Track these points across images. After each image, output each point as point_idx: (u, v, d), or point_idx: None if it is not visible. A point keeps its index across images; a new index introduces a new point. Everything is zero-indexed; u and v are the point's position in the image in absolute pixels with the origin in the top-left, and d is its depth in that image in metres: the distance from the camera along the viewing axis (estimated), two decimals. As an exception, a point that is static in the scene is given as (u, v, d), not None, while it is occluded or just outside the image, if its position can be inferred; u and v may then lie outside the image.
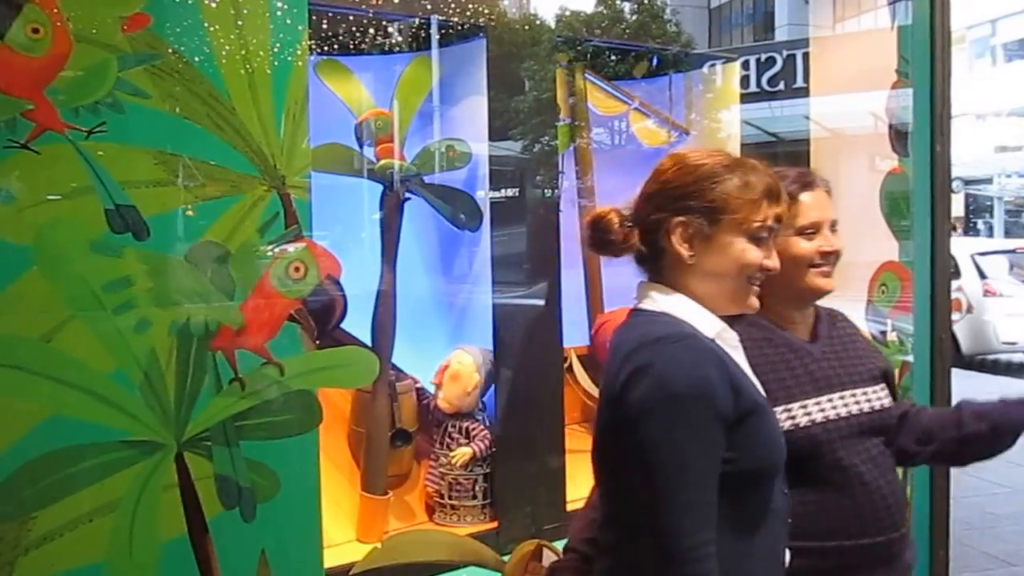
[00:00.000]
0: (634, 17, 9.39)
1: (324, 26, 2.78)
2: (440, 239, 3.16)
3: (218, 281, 1.76)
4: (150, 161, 1.67)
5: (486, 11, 2.82)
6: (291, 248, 1.84)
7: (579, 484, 3.12)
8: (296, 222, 1.84)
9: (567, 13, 5.35)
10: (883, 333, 2.83)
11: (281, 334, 1.84)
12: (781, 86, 12.91)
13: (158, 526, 1.72)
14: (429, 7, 2.78)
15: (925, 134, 2.96)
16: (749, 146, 4.71)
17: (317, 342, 2.22)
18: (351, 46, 2.93)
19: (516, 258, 2.95)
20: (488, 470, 2.96)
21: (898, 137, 2.91)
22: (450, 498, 2.93)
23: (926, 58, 2.95)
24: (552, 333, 3.03)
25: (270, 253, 1.82)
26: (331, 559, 2.67)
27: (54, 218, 1.59)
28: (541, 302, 2.98)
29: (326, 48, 2.87)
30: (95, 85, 1.58)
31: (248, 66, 1.75)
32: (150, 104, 1.65)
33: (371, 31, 2.92)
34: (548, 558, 2.11)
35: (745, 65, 10.87)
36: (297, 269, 1.84)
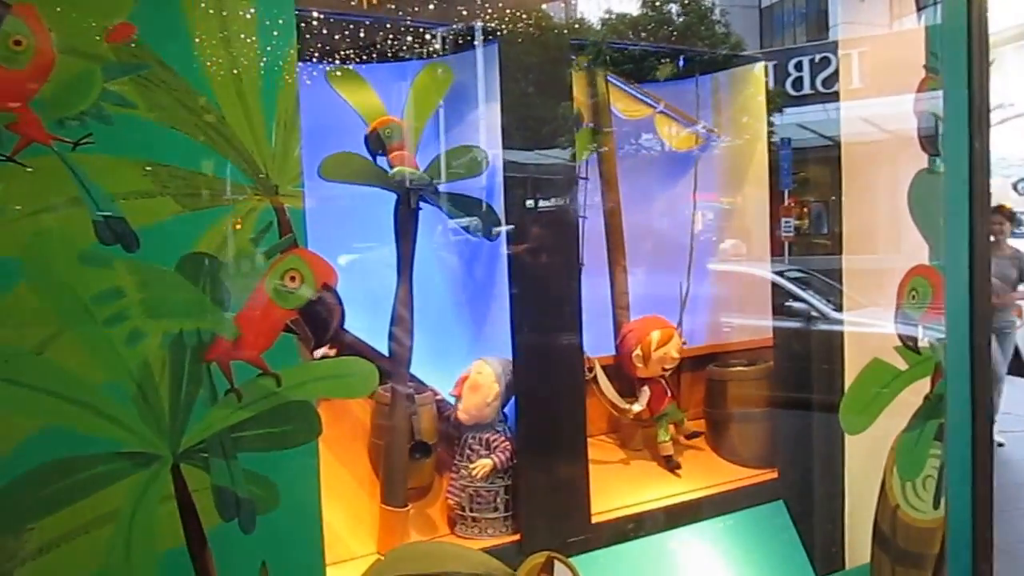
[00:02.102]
0: (681, 19, 9.24)
1: (336, 34, 2.77)
2: (458, 248, 3.12)
3: (212, 292, 1.75)
4: (138, 172, 1.66)
5: (499, 16, 2.79)
6: (287, 258, 1.82)
7: (604, 496, 3.06)
8: (290, 231, 1.82)
9: (612, 17, 5.31)
10: (914, 339, 2.71)
11: (277, 345, 1.82)
12: (836, 87, 12.56)
13: (156, 538, 1.70)
14: (441, 13, 2.76)
15: (961, 132, 2.84)
16: (803, 151, 4.64)
17: (328, 350, 2.21)
18: (364, 54, 2.91)
19: (536, 267, 2.90)
20: (509, 482, 2.90)
21: (928, 136, 2.80)
22: (471, 510, 2.89)
23: (962, 54, 2.84)
24: (573, 342, 2.97)
25: (265, 263, 1.80)
26: (351, 573, 2.66)
27: (42, 230, 1.58)
28: (562, 311, 2.93)
29: (338, 56, 2.86)
30: (80, 96, 1.57)
31: (237, 75, 1.73)
32: (137, 114, 1.64)
33: (383, 38, 2.90)
34: (561, 573, 2.04)
35: (799, 66, 10.63)
36: (292, 278, 1.82)
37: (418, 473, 2.94)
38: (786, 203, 4.44)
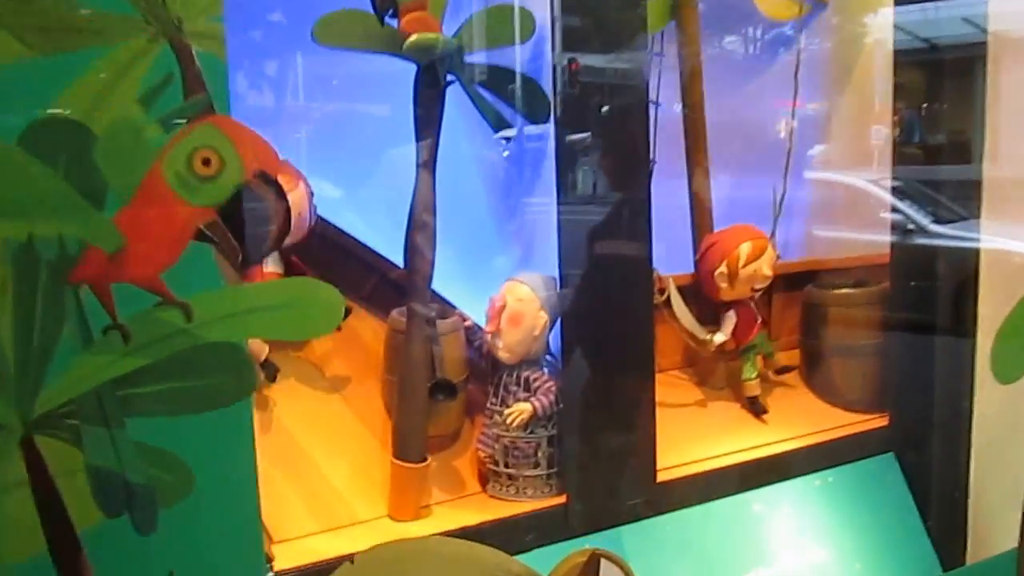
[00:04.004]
0: None
1: None
2: (495, 137, 2.48)
3: (77, 179, 1.16)
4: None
5: None
6: (197, 130, 1.21)
7: (674, 447, 2.48)
8: (203, 89, 1.21)
9: None
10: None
11: (186, 259, 1.23)
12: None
13: (2, 542, 1.16)
14: None
15: None
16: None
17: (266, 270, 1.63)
18: None
19: (591, 161, 2.25)
20: (554, 431, 2.32)
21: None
22: (506, 466, 2.32)
23: None
24: (639, 256, 2.33)
25: (162, 137, 1.20)
26: (356, 540, 2.15)
27: None
28: (624, 217, 2.29)
29: None
30: None
31: None
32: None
33: None
34: (610, 572, 1.46)
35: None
36: (207, 161, 1.22)
37: (441, 418, 2.37)
38: (877, 109, 3.75)
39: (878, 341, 2.86)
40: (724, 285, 2.71)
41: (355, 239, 2.49)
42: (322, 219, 2.37)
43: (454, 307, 2.48)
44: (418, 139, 2.24)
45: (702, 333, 2.72)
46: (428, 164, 2.24)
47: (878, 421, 2.84)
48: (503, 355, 2.30)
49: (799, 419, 2.82)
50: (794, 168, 3.19)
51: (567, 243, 2.21)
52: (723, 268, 2.69)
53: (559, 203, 2.20)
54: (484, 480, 2.39)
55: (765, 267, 2.67)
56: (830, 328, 2.91)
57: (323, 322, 1.38)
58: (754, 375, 2.77)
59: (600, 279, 2.26)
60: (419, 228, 2.25)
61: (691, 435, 2.65)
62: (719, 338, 2.73)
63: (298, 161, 2.27)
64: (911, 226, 3.15)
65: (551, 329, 2.32)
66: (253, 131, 1.26)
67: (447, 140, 2.68)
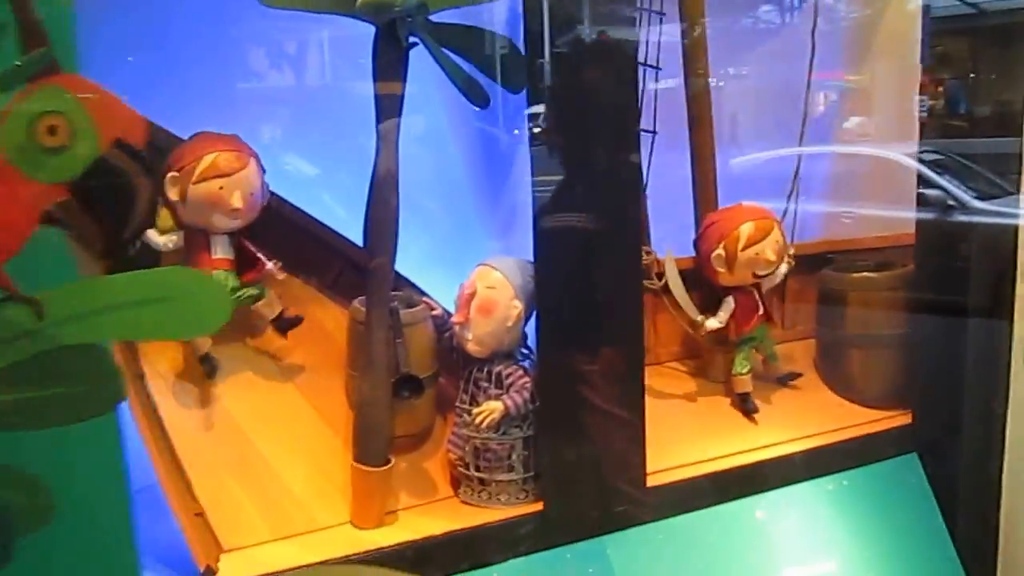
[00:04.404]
0: None
1: None
2: (467, 104, 2.25)
3: None
4: None
5: None
6: (39, 92, 1.01)
7: (668, 446, 2.26)
8: (44, 43, 1.01)
9: None
10: None
11: (32, 248, 1.03)
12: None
13: None
14: None
15: None
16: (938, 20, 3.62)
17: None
18: None
19: (572, 128, 2.02)
20: (530, 432, 2.11)
21: None
22: (478, 469, 2.12)
23: None
24: (628, 238, 2.11)
25: (-6, 100, 1.00)
26: (313, 548, 1.97)
27: None
28: (610, 192, 2.05)
29: None
30: None
31: None
32: None
33: None
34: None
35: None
36: (53, 130, 1.02)
37: (409, 416, 2.17)
38: (920, 80, 3.50)
39: (901, 330, 2.60)
40: (722, 269, 2.46)
41: (318, 221, 2.28)
42: (281, 199, 2.19)
43: (424, 294, 2.28)
44: (378, 108, 2.03)
45: (696, 314, 2.48)
46: (390, 135, 2.03)
47: (900, 419, 2.59)
48: (472, 348, 2.09)
49: (812, 416, 2.57)
50: (813, 141, 2.94)
51: (543, 222, 1.98)
52: (720, 250, 2.45)
53: (534, 177, 1.97)
54: (456, 484, 2.19)
55: (768, 251, 2.42)
56: (848, 316, 2.65)
57: (204, 320, 1.18)
58: (746, 370, 2.53)
59: (581, 262, 2.03)
60: (380, 206, 2.04)
61: (688, 434, 2.42)
62: (712, 323, 2.49)
63: (251, 136, 2.07)
64: (946, 202, 2.88)
65: (527, 320, 2.11)
66: (111, 93, 1.06)
67: (428, 113, 2.48)
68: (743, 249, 2.42)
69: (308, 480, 2.10)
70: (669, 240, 2.60)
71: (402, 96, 2.03)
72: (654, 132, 2.64)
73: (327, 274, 2.31)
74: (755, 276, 2.47)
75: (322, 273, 2.30)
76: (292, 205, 2.25)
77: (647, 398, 2.25)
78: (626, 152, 2.08)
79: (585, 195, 2.01)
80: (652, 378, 2.60)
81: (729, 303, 2.51)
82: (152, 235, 1.91)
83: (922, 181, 2.85)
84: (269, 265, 2.04)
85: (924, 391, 2.58)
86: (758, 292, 2.54)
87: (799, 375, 2.67)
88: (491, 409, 2.05)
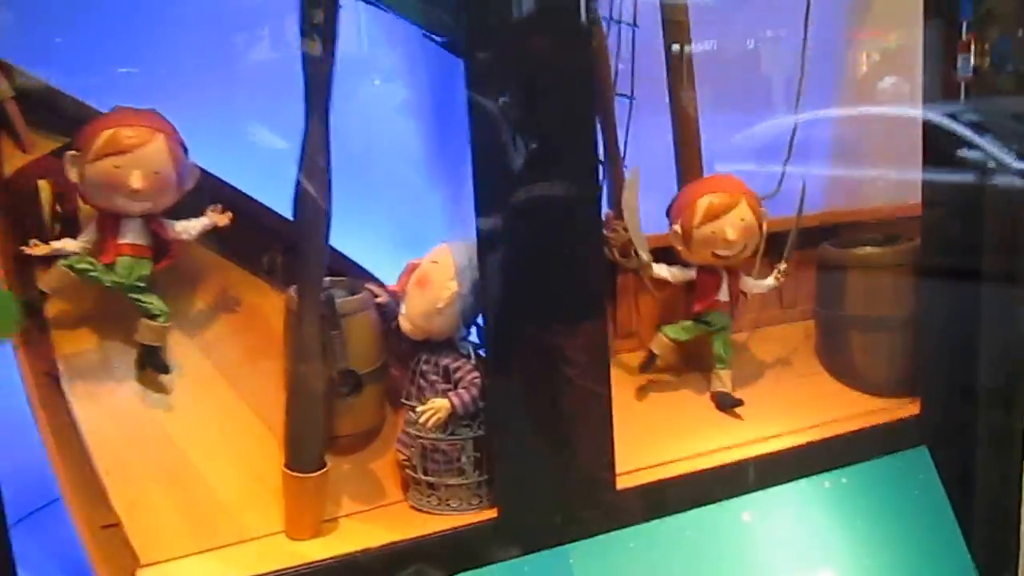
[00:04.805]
0: None
1: None
2: (413, 60, 2.04)
3: None
4: None
5: None
6: None
7: (642, 443, 2.05)
8: None
9: None
10: None
11: None
12: None
13: None
14: None
15: None
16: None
17: None
18: None
19: (517, 87, 1.78)
20: (481, 432, 1.90)
21: None
22: (426, 472, 1.92)
23: None
24: (585, 211, 1.88)
25: None
26: (242, 561, 1.79)
27: None
28: (564, 163, 1.83)
29: None
30: None
31: None
32: None
33: None
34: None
35: None
36: None
37: (354, 414, 1.98)
38: (963, 38, 3.20)
39: (908, 310, 2.35)
40: (680, 247, 2.23)
41: (256, 201, 2.09)
42: (217, 179, 2.00)
43: (374, 279, 2.08)
44: (305, 65, 1.82)
45: (646, 251, 2.20)
46: (319, 95, 1.82)
47: (908, 408, 2.34)
48: (405, 325, 1.89)
49: (808, 405, 2.34)
50: (814, 102, 2.67)
51: (485, 195, 1.76)
52: (676, 226, 2.21)
53: (473, 145, 1.75)
54: (407, 487, 2.00)
55: (729, 229, 2.16)
56: (849, 295, 2.41)
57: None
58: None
59: (531, 240, 1.81)
60: (310, 177, 1.83)
61: (667, 428, 2.20)
62: (661, 269, 2.24)
63: (176, 109, 1.87)
64: (986, 164, 2.59)
65: (472, 308, 1.90)
66: None
67: (392, 85, 2.27)
68: (698, 226, 2.18)
69: (240, 486, 1.91)
70: (653, 217, 2.37)
71: (332, 52, 1.82)
72: (631, 97, 2.40)
73: (267, 258, 2.11)
74: (716, 256, 2.22)
75: (261, 257, 2.11)
76: (228, 184, 2.06)
77: (626, 388, 2.05)
78: (579, 115, 1.84)
79: (532, 165, 1.78)
80: (626, 367, 2.40)
81: (691, 271, 2.27)
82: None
83: (962, 143, 2.57)
84: (199, 223, 1.88)
85: (934, 377, 2.32)
86: (730, 275, 2.29)
87: (738, 403, 2.32)
88: (436, 407, 1.85)
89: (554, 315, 1.86)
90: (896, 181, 2.45)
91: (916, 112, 2.32)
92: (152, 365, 1.91)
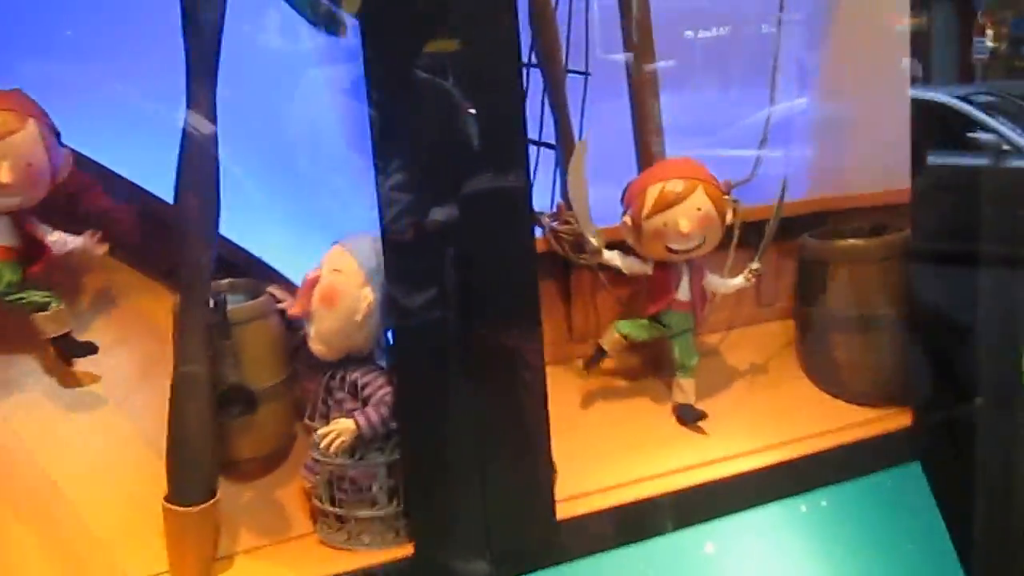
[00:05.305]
0: None
1: None
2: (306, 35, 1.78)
3: None
4: None
5: None
6: None
7: (590, 464, 1.81)
8: None
9: None
10: None
11: None
12: None
13: None
14: None
15: None
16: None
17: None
18: None
19: (423, 64, 1.52)
20: (395, 456, 1.65)
21: None
22: (334, 503, 1.67)
23: None
24: (511, 200, 1.61)
25: None
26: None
27: None
28: (486, 147, 1.56)
29: None
30: None
31: None
32: None
33: None
34: None
35: None
36: None
37: (252, 436, 1.73)
38: (979, 20, 3.15)
39: (897, 310, 2.07)
40: (630, 240, 1.97)
41: (152, 195, 1.84)
42: (107, 170, 1.77)
43: (284, 279, 1.83)
44: (186, 46, 1.56)
45: (592, 232, 1.92)
46: (202, 77, 1.56)
47: (898, 419, 2.07)
48: (317, 348, 1.64)
49: (785, 418, 2.08)
50: (800, 80, 2.41)
51: (391, 181, 1.50)
52: (625, 218, 1.95)
53: (372, 130, 1.49)
54: (316, 518, 1.74)
55: (682, 221, 1.89)
56: (832, 292, 2.13)
57: None
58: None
59: (446, 234, 1.55)
60: (194, 164, 1.58)
61: (620, 446, 1.94)
62: (612, 256, 1.97)
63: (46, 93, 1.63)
64: (1000, 146, 2.34)
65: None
66: None
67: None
68: (648, 216, 1.91)
69: (119, 519, 1.67)
70: (609, 208, 2.10)
71: (219, 30, 1.56)
72: (586, 73, 2.14)
73: (163, 258, 1.86)
74: (669, 250, 1.95)
75: (157, 256, 1.86)
76: (117, 175, 1.82)
77: (575, 398, 1.78)
78: (504, 93, 1.58)
79: (443, 149, 1.52)
80: (574, 377, 2.14)
81: (648, 265, 2.00)
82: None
83: (974, 125, 2.31)
84: (73, 242, 1.63)
85: (926, 384, 2.05)
86: (689, 275, 2.02)
87: (702, 416, 2.04)
88: (340, 429, 1.60)
89: (476, 319, 1.60)
90: (885, 166, 2.16)
91: (912, 93, 2.05)
92: (74, 353, 1.73)
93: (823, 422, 2.07)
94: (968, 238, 1.96)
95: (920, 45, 2.41)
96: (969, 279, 1.99)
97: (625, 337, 2.02)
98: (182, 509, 1.59)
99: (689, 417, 2.01)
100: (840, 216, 2.34)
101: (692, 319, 2.04)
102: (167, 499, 1.60)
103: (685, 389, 2.04)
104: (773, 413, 2.09)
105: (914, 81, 2.61)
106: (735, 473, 1.91)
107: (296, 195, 2.05)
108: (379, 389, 1.62)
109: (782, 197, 2.06)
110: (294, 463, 1.81)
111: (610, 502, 1.80)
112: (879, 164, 2.26)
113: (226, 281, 1.77)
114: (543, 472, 1.70)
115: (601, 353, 2.04)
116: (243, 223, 1.91)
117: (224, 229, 1.81)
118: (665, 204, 1.89)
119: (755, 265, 2.03)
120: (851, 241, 2.13)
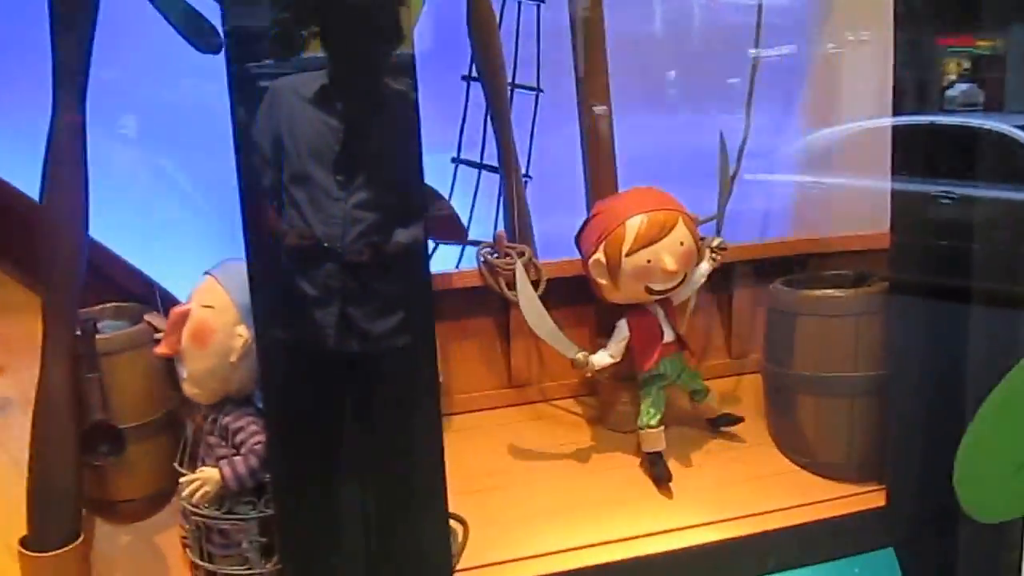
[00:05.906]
0: None
1: None
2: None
3: None
4: None
5: None
6: None
7: (524, 524, 1.63)
8: None
9: None
10: None
11: None
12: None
13: None
14: None
15: None
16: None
17: None
18: None
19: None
20: (269, 511, 1.48)
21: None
22: (205, 557, 1.51)
23: None
24: (406, 237, 1.44)
25: None
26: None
27: None
28: (372, 168, 1.40)
29: None
30: None
31: None
32: None
33: None
34: None
35: None
36: None
37: (131, 476, 1.59)
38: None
39: (874, 372, 1.83)
40: (603, 281, 1.77)
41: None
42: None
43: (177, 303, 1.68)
44: (54, 54, 1.45)
45: (570, 349, 1.77)
46: (69, 84, 1.45)
47: (871, 498, 1.83)
48: (190, 391, 1.49)
49: (745, 489, 1.85)
50: (782, 106, 2.21)
51: (256, 213, 1.35)
52: (599, 255, 1.75)
53: (238, 153, 1.33)
54: (191, 569, 1.59)
55: (666, 257, 1.70)
56: (800, 348, 1.90)
57: None
58: (655, 421, 1.82)
59: (321, 260, 1.38)
60: (61, 170, 1.46)
61: (559, 509, 1.74)
62: (601, 358, 1.79)
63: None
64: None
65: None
66: None
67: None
68: (629, 253, 1.72)
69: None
70: (561, 236, 1.93)
71: (91, 36, 1.45)
72: (538, 90, 1.97)
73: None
74: (650, 291, 1.76)
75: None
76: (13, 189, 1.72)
77: (510, 450, 1.60)
78: (395, 112, 1.41)
79: (312, 176, 1.36)
80: (526, 423, 1.96)
81: (622, 329, 1.81)
82: None
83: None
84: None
85: (904, 460, 1.81)
86: (665, 311, 1.83)
87: (739, 420, 1.95)
88: (204, 478, 1.44)
89: (360, 361, 1.43)
90: (873, 205, 1.94)
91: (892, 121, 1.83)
92: None
93: (787, 496, 1.84)
94: (955, 291, 1.72)
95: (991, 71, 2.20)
96: (956, 337, 1.74)
97: (656, 427, 1.83)
98: (35, 554, 1.45)
99: (725, 422, 1.97)
100: (825, 260, 2.11)
101: (682, 356, 1.89)
102: (22, 543, 1.47)
103: (711, 406, 1.97)
104: (732, 482, 1.87)
105: (971, 107, 2.38)
106: (683, 547, 1.70)
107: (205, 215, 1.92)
108: (251, 437, 1.46)
109: (740, 159, 1.92)
110: (176, 506, 1.66)
111: (538, 572, 1.60)
112: (867, 204, 2.03)
113: (111, 305, 1.64)
114: (438, 532, 1.52)
115: (654, 462, 1.83)
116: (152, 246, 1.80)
117: (124, 249, 1.69)
118: (648, 239, 1.70)
119: (716, 242, 1.85)
120: (821, 292, 1.90)
